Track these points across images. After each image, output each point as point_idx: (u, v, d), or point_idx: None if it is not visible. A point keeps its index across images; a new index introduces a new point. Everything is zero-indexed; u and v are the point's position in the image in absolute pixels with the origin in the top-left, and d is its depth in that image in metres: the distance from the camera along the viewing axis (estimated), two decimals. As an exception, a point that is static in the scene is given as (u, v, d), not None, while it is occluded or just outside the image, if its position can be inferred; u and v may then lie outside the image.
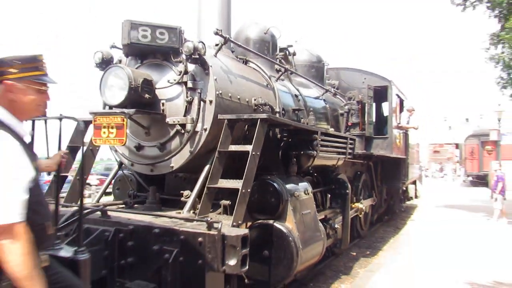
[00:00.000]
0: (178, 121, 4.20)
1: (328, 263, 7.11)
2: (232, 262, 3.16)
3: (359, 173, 8.57)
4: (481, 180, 31.40)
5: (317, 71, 8.21)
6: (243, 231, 3.37)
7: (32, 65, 2.19)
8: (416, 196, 16.72)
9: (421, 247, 9.04)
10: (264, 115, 4.01)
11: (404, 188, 13.28)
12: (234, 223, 3.51)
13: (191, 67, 4.25)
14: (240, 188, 3.65)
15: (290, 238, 4.08)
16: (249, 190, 3.79)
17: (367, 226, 9.46)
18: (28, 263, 1.94)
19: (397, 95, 10.45)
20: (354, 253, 8.20)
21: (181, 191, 4.35)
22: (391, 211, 12.45)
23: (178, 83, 4.24)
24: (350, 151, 6.58)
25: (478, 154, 32.68)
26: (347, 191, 6.59)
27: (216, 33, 4.66)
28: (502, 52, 14.57)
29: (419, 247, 8.98)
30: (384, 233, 10.68)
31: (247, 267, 3.30)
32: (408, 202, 15.64)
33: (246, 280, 4.13)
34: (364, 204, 8.13)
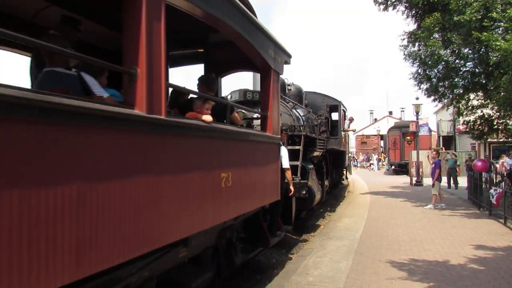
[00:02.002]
0: (264, 135, 9.84)
1: (263, 253, 8.29)
2: (303, 192, 8.77)
3: (321, 160, 14.49)
4: (402, 169, 35.59)
5: (300, 98, 14.03)
6: (306, 181, 8.97)
7: (286, 130, 7.92)
8: (346, 177, 23.84)
9: (346, 231, 10.35)
10: (304, 133, 9.71)
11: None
12: (301, 177, 9.09)
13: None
14: (299, 164, 9.26)
15: (312, 188, 9.83)
16: (301, 165, 9.43)
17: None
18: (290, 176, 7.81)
19: (343, 110, 16.87)
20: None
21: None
22: (336, 185, 19.25)
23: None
24: (325, 147, 12.71)
25: (399, 144, 36.51)
26: (324, 170, 12.77)
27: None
28: (419, 50, 15.59)
29: (345, 232, 10.28)
30: (315, 219, 12.81)
31: (307, 195, 8.95)
32: (343, 182, 22.63)
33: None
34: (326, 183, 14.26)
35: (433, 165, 15.22)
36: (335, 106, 16.19)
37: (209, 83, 5.47)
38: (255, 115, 8.64)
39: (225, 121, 4.99)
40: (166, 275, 4.25)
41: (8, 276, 2.07)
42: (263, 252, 7.95)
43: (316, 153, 11.77)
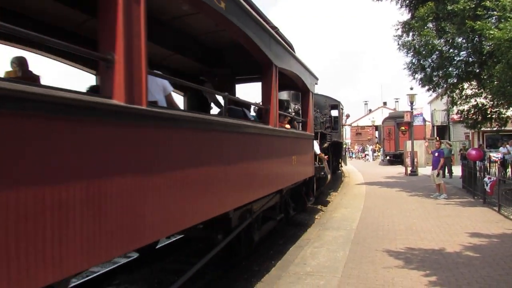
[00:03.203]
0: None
1: (265, 243, 8.99)
2: (322, 173, 12.48)
3: (326, 150, 17.23)
4: (397, 159, 36.08)
5: (309, 100, 16.90)
6: (323, 166, 12.65)
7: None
8: (341, 165, 26.08)
9: (343, 222, 10.56)
10: (321, 130, 13.70)
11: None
12: (321, 163, 12.52)
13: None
14: (318, 153, 12.57)
15: (327, 171, 13.34)
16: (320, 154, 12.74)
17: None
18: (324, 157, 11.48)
19: (341, 108, 20.96)
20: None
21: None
22: (334, 171, 22.16)
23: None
24: (331, 139, 15.80)
25: (394, 134, 36.78)
26: (330, 157, 16.31)
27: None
28: (413, 40, 15.65)
29: (341, 222, 10.48)
30: (324, 196, 13.80)
31: (325, 175, 12.64)
32: (340, 169, 25.61)
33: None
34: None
35: (437, 154, 15.26)
36: (335, 105, 20.36)
37: (283, 105, 9.05)
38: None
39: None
40: (263, 213, 7.84)
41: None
42: (298, 214, 11.73)
43: (325, 145, 15.33)
